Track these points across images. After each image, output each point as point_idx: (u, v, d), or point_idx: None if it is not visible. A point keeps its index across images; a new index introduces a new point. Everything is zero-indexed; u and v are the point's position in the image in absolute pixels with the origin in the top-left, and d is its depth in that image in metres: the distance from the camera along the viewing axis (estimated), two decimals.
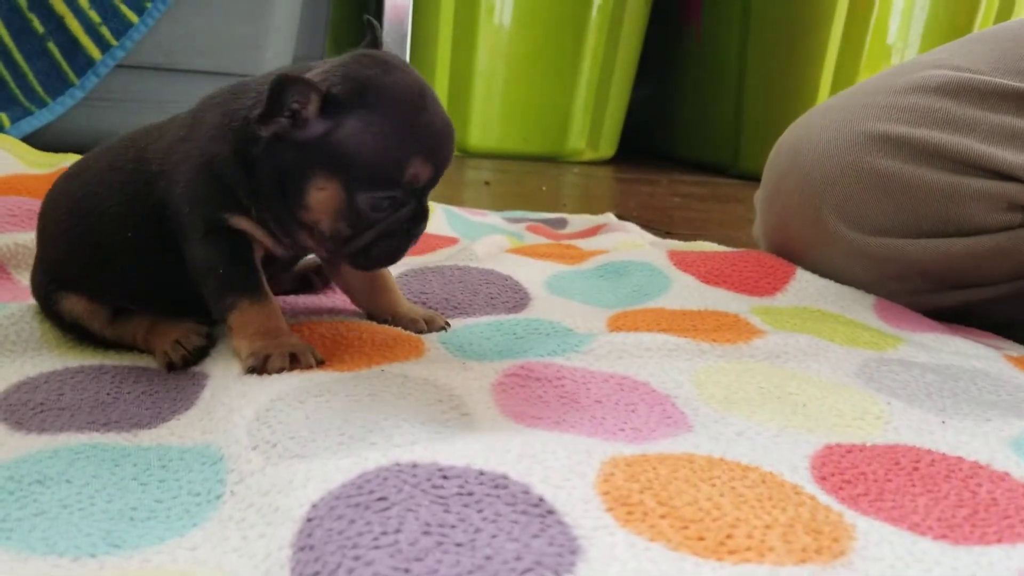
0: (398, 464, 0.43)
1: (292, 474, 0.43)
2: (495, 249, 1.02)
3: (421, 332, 0.69)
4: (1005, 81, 0.80)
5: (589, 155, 2.71)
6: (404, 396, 0.54)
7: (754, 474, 0.46)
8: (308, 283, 0.78)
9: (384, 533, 0.37)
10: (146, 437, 0.53)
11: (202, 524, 0.43)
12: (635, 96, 2.83)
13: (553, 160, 2.66)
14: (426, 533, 0.37)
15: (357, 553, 0.36)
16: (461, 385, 0.57)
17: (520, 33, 2.57)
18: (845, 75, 2.33)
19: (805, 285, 0.85)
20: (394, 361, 0.61)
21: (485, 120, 2.59)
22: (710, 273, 0.87)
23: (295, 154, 0.57)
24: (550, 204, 1.75)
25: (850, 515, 0.43)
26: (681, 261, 0.90)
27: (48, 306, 0.67)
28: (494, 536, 0.37)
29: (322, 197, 0.58)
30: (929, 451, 0.51)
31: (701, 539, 0.39)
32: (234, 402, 0.53)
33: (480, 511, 0.39)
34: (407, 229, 0.60)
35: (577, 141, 2.68)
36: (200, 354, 0.63)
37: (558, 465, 0.44)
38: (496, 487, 0.41)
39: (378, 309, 0.71)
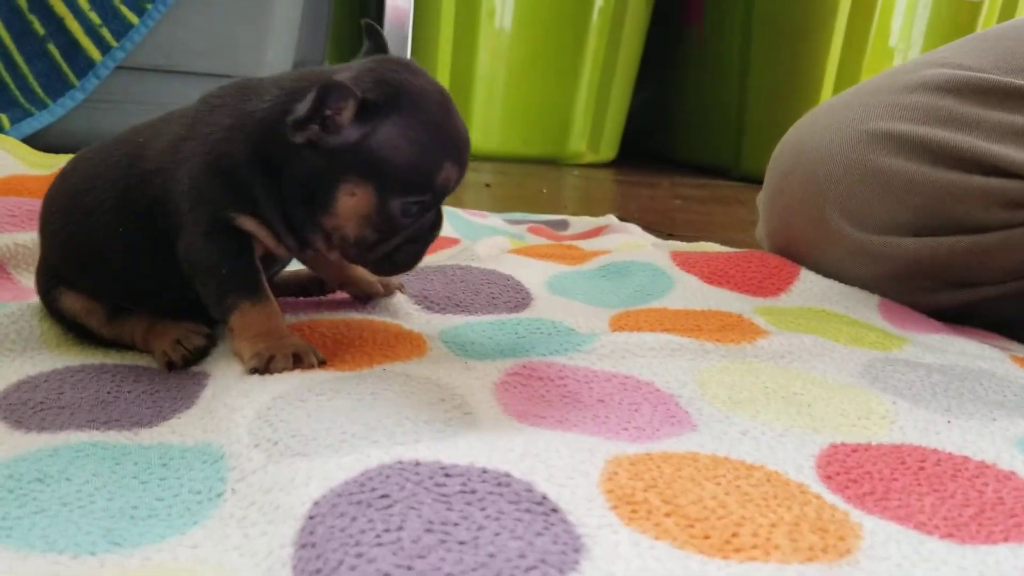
0: (401, 462, 0.42)
1: (294, 472, 0.43)
2: (496, 250, 1.02)
3: (377, 294, 0.74)
4: (1007, 79, 0.80)
5: (590, 157, 2.71)
6: (406, 395, 0.54)
7: (759, 473, 0.46)
8: (307, 288, 0.78)
9: (386, 531, 0.37)
10: (147, 436, 0.52)
11: (203, 522, 0.43)
12: (636, 98, 2.82)
13: (554, 162, 2.66)
14: (428, 531, 0.37)
15: (359, 551, 0.36)
16: (463, 384, 0.57)
17: (521, 35, 2.57)
18: (848, 77, 2.32)
19: (809, 286, 0.85)
20: (396, 360, 0.61)
21: (486, 122, 2.59)
22: (713, 273, 0.87)
23: (325, 159, 0.56)
24: (551, 206, 1.74)
25: (856, 514, 0.43)
26: (684, 261, 0.90)
27: (49, 303, 0.67)
28: (497, 534, 0.37)
29: (352, 203, 0.57)
30: (935, 450, 0.51)
31: (707, 537, 0.39)
32: (235, 401, 0.53)
33: (483, 509, 0.39)
34: (428, 234, 0.61)
35: (578, 143, 2.68)
36: (201, 354, 0.63)
37: (561, 463, 0.44)
38: (499, 485, 0.41)
39: (333, 276, 0.73)
